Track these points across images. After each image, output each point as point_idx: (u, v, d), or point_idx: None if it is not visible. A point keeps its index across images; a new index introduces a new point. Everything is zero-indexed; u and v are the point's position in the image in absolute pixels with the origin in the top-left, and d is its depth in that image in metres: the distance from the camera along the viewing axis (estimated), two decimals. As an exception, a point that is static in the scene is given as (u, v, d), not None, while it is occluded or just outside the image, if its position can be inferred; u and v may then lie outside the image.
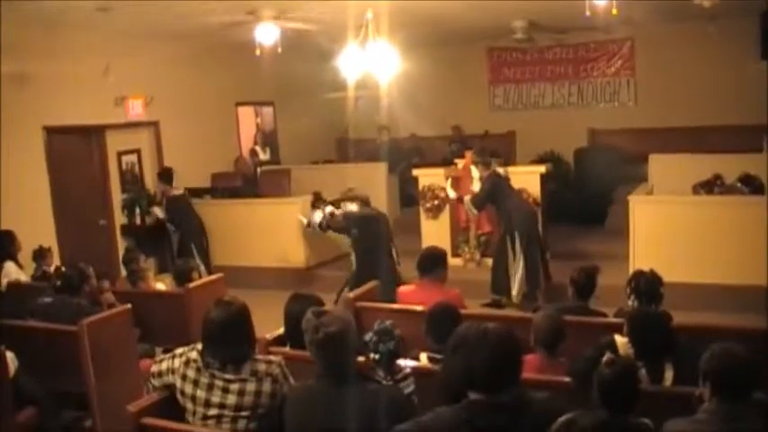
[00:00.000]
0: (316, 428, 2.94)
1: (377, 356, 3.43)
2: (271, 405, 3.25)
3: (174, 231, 9.37)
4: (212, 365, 3.26)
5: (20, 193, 7.72)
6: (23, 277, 6.91)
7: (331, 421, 2.91)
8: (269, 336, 4.36)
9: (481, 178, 8.02)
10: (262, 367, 3.29)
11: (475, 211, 8.23)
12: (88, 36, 8.48)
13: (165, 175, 9.45)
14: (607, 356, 3.02)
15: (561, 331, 4.08)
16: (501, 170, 8.42)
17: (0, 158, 7.51)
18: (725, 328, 4.61)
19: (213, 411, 3.23)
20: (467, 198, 8.19)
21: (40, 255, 7.24)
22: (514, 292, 7.80)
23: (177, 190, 9.43)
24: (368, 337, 3.50)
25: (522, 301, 7.71)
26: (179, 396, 3.32)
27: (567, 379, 3.71)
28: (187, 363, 3.31)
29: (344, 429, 2.88)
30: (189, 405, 3.28)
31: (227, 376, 3.23)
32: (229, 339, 3.24)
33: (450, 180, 8.90)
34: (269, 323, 4.41)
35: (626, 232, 8.09)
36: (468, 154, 8.83)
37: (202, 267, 9.10)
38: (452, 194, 8.78)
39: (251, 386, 3.23)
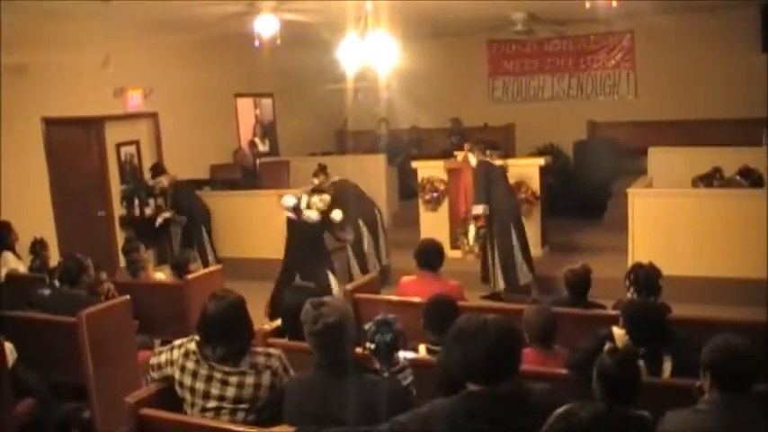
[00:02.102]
0: (314, 418, 2.94)
1: (372, 346, 3.43)
2: (270, 398, 3.24)
3: (179, 221, 9.37)
4: (210, 358, 3.25)
5: (19, 185, 7.68)
6: (22, 267, 6.90)
7: (329, 411, 2.92)
8: (267, 326, 4.35)
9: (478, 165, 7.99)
10: (261, 360, 3.28)
11: (482, 206, 7.86)
12: (88, 27, 8.42)
13: (158, 168, 9.49)
14: (609, 346, 3.02)
15: (553, 325, 4.04)
16: (500, 162, 8.40)
17: (-1, 150, 7.50)
18: (723, 320, 4.61)
19: (212, 403, 3.23)
20: (473, 204, 8.04)
21: (41, 246, 7.23)
22: (493, 283, 7.84)
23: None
24: (367, 326, 3.50)
25: (503, 293, 7.77)
26: (177, 388, 3.32)
27: (564, 371, 3.71)
28: (186, 354, 3.31)
29: (342, 419, 2.88)
30: (188, 396, 3.28)
31: (226, 369, 3.22)
32: (222, 333, 3.22)
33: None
34: (268, 314, 4.42)
35: (625, 225, 8.07)
36: (467, 146, 8.78)
37: (211, 255, 9.14)
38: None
39: (250, 379, 3.22)
